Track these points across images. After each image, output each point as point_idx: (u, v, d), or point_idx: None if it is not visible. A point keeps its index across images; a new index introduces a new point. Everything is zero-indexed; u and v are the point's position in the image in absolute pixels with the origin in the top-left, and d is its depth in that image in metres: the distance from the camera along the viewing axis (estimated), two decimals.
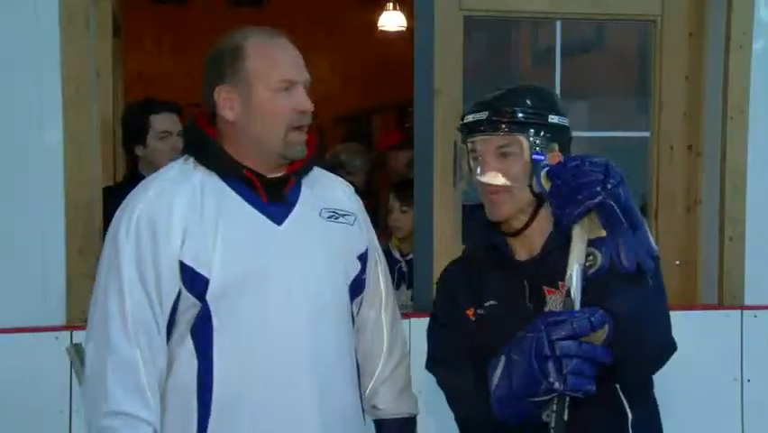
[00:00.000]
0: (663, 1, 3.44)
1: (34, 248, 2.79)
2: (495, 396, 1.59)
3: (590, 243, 1.60)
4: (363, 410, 1.99)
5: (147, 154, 3.16)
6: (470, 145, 1.87)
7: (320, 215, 1.87)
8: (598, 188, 1.55)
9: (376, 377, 2.04)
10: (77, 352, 2.17)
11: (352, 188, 2.06)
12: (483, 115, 1.82)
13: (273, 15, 7.03)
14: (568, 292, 1.61)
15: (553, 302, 1.77)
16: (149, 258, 1.67)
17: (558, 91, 3.37)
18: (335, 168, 4.07)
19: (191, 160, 1.81)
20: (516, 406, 1.58)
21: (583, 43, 3.60)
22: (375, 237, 2.07)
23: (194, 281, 1.69)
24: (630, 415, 1.79)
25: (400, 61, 4.06)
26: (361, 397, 1.97)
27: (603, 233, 1.58)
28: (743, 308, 3.26)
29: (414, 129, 3.26)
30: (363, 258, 1.96)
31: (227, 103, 1.77)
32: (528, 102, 1.85)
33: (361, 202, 2.05)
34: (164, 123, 3.17)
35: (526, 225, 1.86)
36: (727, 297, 3.30)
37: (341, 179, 2.09)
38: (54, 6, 2.82)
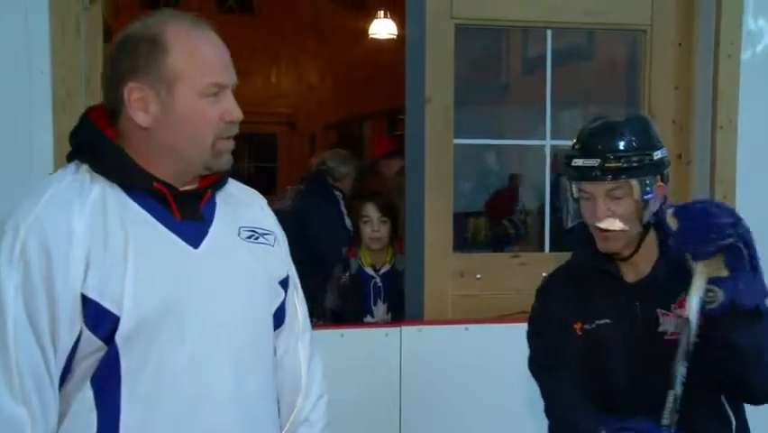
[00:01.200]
0: (653, 11, 3.46)
1: None
2: None
3: (711, 280, 1.72)
4: None
5: None
6: (576, 186, 1.93)
7: (239, 235, 1.58)
8: (731, 231, 1.69)
9: (293, 418, 1.77)
10: None
11: (265, 201, 1.78)
12: (595, 162, 1.87)
13: (264, 22, 7.05)
14: (686, 320, 1.75)
15: (668, 324, 1.90)
16: (41, 292, 1.32)
17: (548, 99, 3.40)
18: (322, 174, 4.07)
19: (85, 167, 1.46)
20: None
21: (573, 52, 3.60)
22: (290, 259, 1.78)
23: (99, 320, 1.35)
24: (734, 421, 1.96)
25: (391, 69, 4.06)
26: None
27: (725, 272, 1.71)
28: None
29: (405, 137, 3.25)
30: (285, 284, 1.69)
31: (139, 104, 1.43)
32: (634, 144, 1.90)
33: (275, 217, 1.78)
34: None
35: (634, 252, 1.96)
36: None
37: (254, 190, 1.77)
38: (45, 11, 2.81)
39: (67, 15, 2.86)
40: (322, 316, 3.47)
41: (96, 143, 1.47)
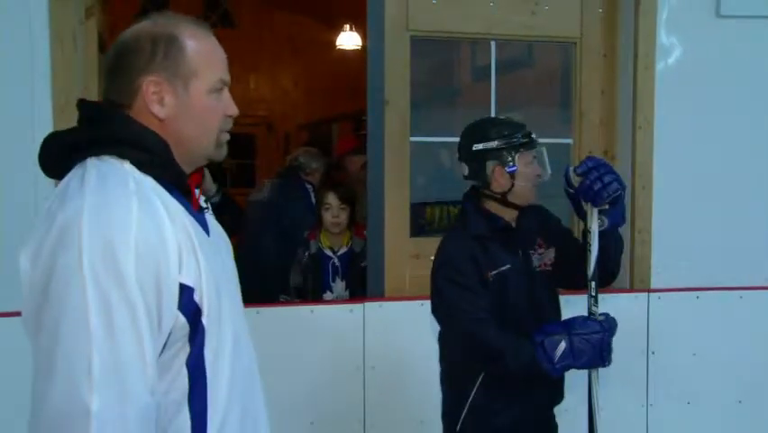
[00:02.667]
0: (582, 26, 3.49)
1: None
2: (558, 365, 2.03)
3: (601, 211, 2.16)
4: None
5: None
6: (533, 153, 2.27)
7: (211, 215, 1.50)
8: (618, 186, 2.09)
9: None
10: None
11: None
12: (533, 135, 2.27)
13: (244, 35, 6.97)
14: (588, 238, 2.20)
15: (536, 260, 2.31)
16: (152, 286, 1.21)
17: (493, 103, 3.42)
18: (295, 169, 4.03)
19: (127, 163, 1.30)
20: (568, 369, 2.08)
21: (514, 62, 3.61)
22: None
23: (188, 305, 1.27)
24: None
25: (356, 76, 4.02)
26: None
27: (607, 206, 2.15)
28: (649, 291, 3.32)
29: (367, 136, 3.24)
30: None
31: (156, 97, 1.33)
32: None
33: None
34: None
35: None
36: (637, 281, 3.36)
37: None
38: (45, 25, 2.77)
39: (65, 29, 2.82)
40: (287, 293, 3.44)
41: (152, 140, 1.33)
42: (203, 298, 1.28)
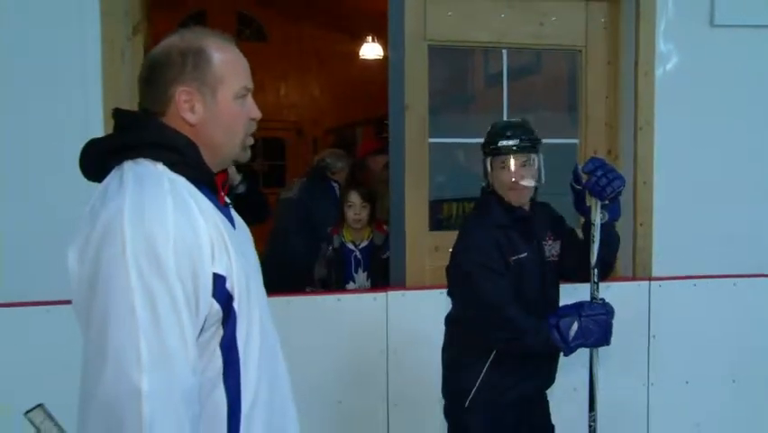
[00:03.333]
0: (587, 36, 3.49)
1: None
2: (573, 344, 2.10)
3: (602, 206, 2.24)
4: None
5: None
6: (501, 159, 2.27)
7: (233, 210, 1.52)
8: (619, 184, 2.16)
9: None
10: (47, 415, 1.49)
11: None
12: (516, 141, 2.25)
13: (274, 48, 7.00)
14: (591, 230, 2.27)
15: (547, 250, 2.35)
16: (189, 278, 1.23)
17: (505, 107, 3.43)
18: (322, 169, 4.08)
19: (160, 165, 1.33)
20: (579, 348, 2.13)
21: (525, 68, 3.61)
22: None
23: (221, 293, 1.29)
24: None
25: (378, 83, 4.07)
26: None
27: (607, 202, 2.23)
28: (651, 279, 3.33)
29: (389, 138, 3.27)
30: None
31: (187, 105, 1.36)
32: (531, 132, 2.30)
33: None
34: None
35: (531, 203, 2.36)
36: (639, 270, 3.36)
37: None
38: (97, 41, 2.84)
39: (114, 44, 2.87)
40: (313, 285, 3.50)
41: (181, 143, 1.35)
42: (234, 286, 1.31)
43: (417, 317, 3.06)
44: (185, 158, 1.34)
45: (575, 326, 2.08)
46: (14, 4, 2.79)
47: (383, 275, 3.34)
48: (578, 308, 2.13)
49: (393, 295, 3.09)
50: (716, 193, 3.38)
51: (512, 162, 2.24)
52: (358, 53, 6.64)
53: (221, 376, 1.32)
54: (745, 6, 3.32)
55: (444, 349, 2.43)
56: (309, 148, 7.90)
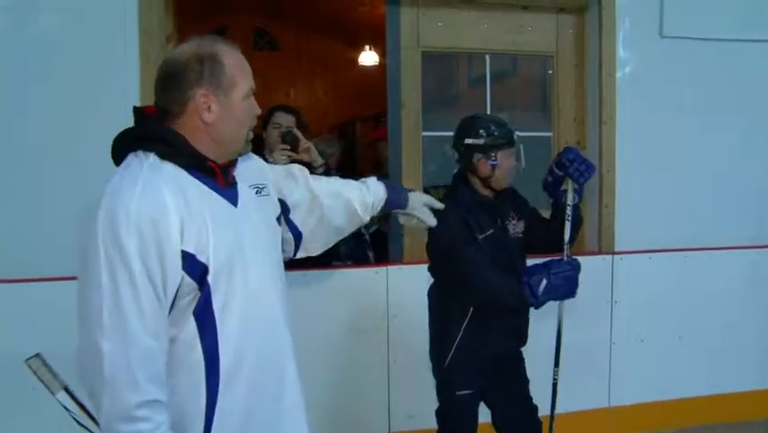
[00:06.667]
0: (557, 42, 3.42)
1: None
2: (542, 298, 2.03)
3: (574, 190, 2.19)
4: None
5: None
6: (512, 150, 2.20)
7: (250, 190, 1.43)
8: (592, 171, 2.14)
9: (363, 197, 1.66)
10: (43, 363, 1.51)
11: (260, 159, 1.58)
12: (514, 135, 2.20)
13: (285, 56, 6.86)
14: (566, 210, 2.21)
15: (511, 228, 2.25)
16: (153, 251, 1.19)
17: (489, 104, 3.37)
18: None
19: (152, 155, 1.28)
20: (548, 301, 2.06)
21: (505, 71, 3.52)
22: (280, 178, 1.58)
23: (194, 268, 1.24)
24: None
25: (374, 86, 3.93)
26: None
27: (577, 186, 2.19)
28: (614, 253, 3.26)
29: (388, 132, 3.19)
30: (279, 219, 1.53)
31: (206, 106, 1.30)
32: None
33: (257, 158, 1.56)
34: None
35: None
36: (604, 245, 3.30)
37: (251, 153, 1.53)
38: (135, 52, 2.73)
39: (150, 54, 2.75)
40: (338, 259, 3.35)
41: (168, 134, 1.30)
42: (210, 260, 1.25)
43: (414, 287, 2.92)
44: (173, 148, 1.29)
45: (544, 282, 2.02)
46: (69, 22, 2.70)
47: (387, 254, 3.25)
48: (546, 266, 2.06)
49: (392, 269, 3.02)
50: (670, 178, 3.32)
51: (520, 152, 2.22)
52: (357, 60, 6.57)
53: (197, 338, 1.26)
54: (688, 21, 3.30)
55: (429, 319, 2.36)
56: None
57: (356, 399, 2.96)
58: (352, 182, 1.69)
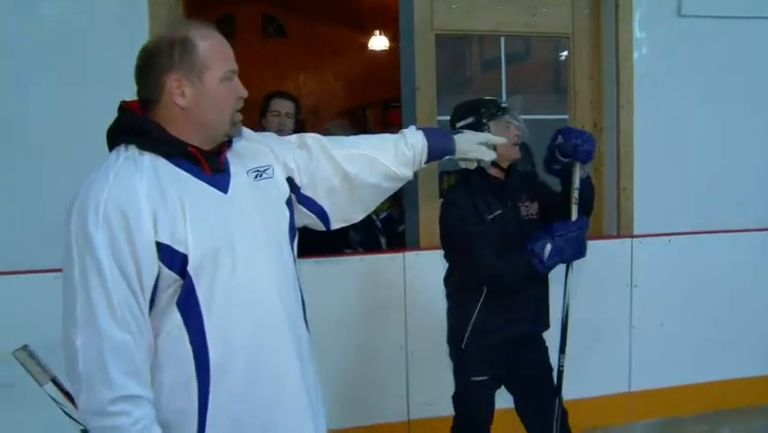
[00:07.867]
0: (573, 23, 3.33)
1: None
2: (548, 263, 1.99)
3: (580, 167, 2.11)
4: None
5: None
6: (506, 119, 2.14)
7: (248, 177, 1.38)
8: (594, 141, 2.08)
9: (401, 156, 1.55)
10: (30, 354, 1.50)
11: (270, 136, 1.53)
12: (501, 103, 2.17)
13: (294, 42, 6.81)
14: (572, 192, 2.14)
15: (524, 210, 2.21)
16: (124, 244, 1.17)
17: (504, 87, 3.30)
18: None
19: (132, 147, 1.26)
20: (556, 265, 2.03)
21: (520, 53, 3.46)
22: (289, 153, 1.49)
23: (172, 259, 1.20)
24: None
25: (384, 71, 3.88)
26: (307, 326, 1.46)
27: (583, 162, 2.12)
28: (632, 236, 3.22)
29: (402, 115, 3.12)
30: (290, 201, 1.46)
31: (179, 91, 1.26)
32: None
33: (268, 135, 1.52)
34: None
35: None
36: (623, 229, 3.24)
37: (264, 133, 1.53)
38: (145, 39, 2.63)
39: None
40: (349, 247, 3.33)
41: (143, 124, 1.27)
42: (189, 250, 1.21)
43: (430, 273, 2.92)
44: (148, 137, 1.26)
45: (548, 246, 1.98)
46: (80, 12, 2.65)
47: (401, 241, 3.21)
48: (550, 229, 2.02)
49: (409, 255, 3.00)
50: (689, 160, 3.25)
51: (515, 121, 2.14)
52: (367, 45, 6.50)
53: (183, 329, 1.24)
54: None
55: (447, 306, 2.33)
56: (325, 126, 7.71)
57: (374, 387, 2.95)
58: (387, 138, 1.58)
